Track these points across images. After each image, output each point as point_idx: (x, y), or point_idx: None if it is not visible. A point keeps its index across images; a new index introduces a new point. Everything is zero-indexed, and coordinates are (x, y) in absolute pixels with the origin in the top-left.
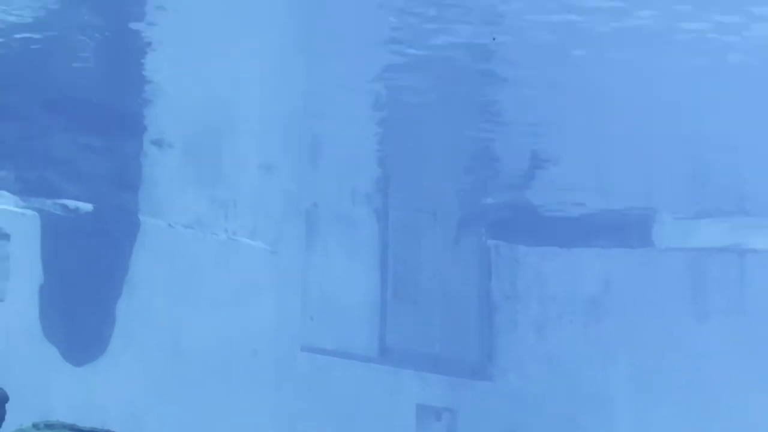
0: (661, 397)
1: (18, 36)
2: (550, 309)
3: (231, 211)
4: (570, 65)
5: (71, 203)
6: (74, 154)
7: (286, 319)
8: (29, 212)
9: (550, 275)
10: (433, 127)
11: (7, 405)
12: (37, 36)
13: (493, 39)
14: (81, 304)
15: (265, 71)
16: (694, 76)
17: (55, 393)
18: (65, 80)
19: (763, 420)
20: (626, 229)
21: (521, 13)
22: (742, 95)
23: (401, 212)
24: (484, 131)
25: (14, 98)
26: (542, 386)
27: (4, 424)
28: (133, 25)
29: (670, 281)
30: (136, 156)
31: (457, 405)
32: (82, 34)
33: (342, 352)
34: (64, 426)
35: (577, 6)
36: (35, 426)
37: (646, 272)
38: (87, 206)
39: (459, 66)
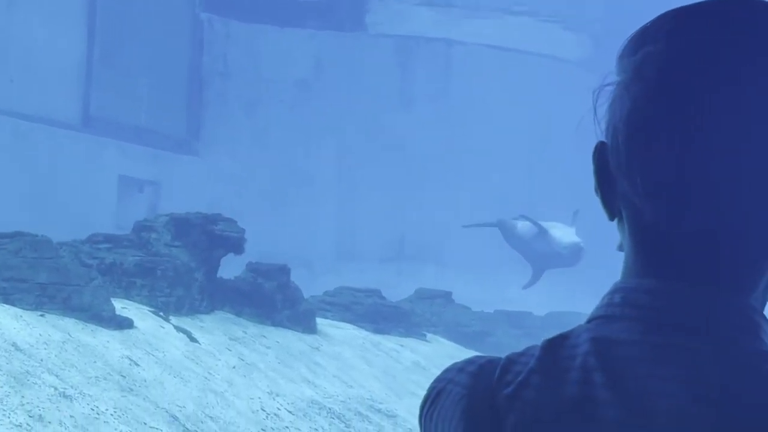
0: (366, 178)
1: None
2: (261, 88)
3: None
4: None
5: None
6: None
7: None
8: None
9: (262, 54)
10: None
11: None
12: None
13: None
14: None
15: None
16: None
17: None
18: None
19: (461, 197)
20: (339, 11)
21: None
22: None
23: None
24: None
25: None
26: (249, 163)
27: None
28: None
29: (379, 66)
30: None
31: (160, 178)
32: None
33: (43, 118)
34: None
35: None
36: None
37: (357, 56)
38: None
39: None
